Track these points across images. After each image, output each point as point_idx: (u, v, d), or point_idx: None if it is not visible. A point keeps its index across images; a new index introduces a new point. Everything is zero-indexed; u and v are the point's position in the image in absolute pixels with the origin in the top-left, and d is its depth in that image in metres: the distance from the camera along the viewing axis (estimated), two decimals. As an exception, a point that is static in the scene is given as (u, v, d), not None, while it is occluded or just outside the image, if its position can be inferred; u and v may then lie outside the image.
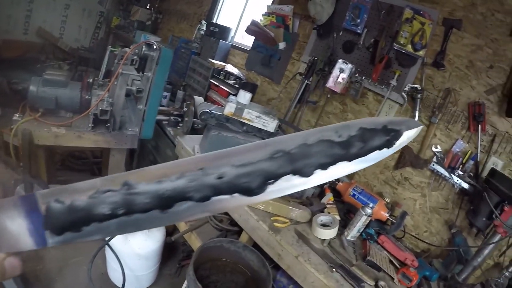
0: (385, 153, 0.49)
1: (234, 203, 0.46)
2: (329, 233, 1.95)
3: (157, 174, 0.45)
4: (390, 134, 0.49)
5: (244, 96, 2.09)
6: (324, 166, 0.47)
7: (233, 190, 0.45)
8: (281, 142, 0.48)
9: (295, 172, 0.46)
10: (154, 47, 2.35)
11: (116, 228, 0.43)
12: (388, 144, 0.49)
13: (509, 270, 1.99)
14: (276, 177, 0.46)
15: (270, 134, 2.12)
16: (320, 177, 0.48)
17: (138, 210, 0.43)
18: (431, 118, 2.33)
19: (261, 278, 1.95)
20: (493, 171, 2.13)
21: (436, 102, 2.36)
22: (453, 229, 2.20)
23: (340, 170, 0.48)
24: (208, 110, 2.08)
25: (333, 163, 0.48)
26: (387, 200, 2.28)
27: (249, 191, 0.45)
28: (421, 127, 0.51)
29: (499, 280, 2.04)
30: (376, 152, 0.49)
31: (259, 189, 0.46)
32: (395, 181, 2.52)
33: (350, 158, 0.48)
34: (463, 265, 2.05)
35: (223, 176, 0.44)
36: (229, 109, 2.06)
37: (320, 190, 2.31)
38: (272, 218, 1.92)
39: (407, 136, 0.49)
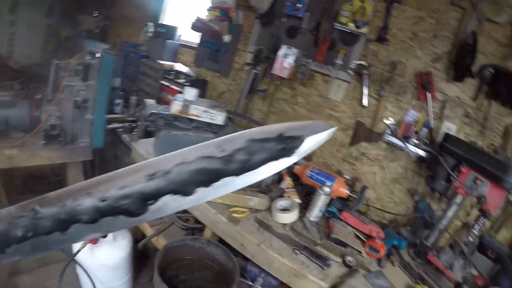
0: (285, 162, 0.49)
1: (121, 224, 0.49)
2: (289, 217, 2.03)
3: (57, 199, 0.49)
4: (287, 143, 0.49)
5: (190, 93, 2.16)
6: (206, 184, 0.49)
7: (116, 212, 0.48)
8: (158, 163, 0.50)
9: (175, 192, 0.48)
10: (96, 55, 2.41)
11: (30, 249, 0.48)
12: (285, 153, 0.49)
13: (476, 228, 2.13)
14: (155, 197, 0.48)
15: (219, 127, 2.21)
16: (205, 194, 0.49)
17: (43, 233, 0.48)
18: (380, 92, 2.44)
19: (229, 270, 2.02)
20: (446, 136, 2.24)
21: (383, 76, 2.46)
22: (416, 196, 2.32)
23: (227, 185, 0.49)
24: (155, 111, 2.16)
25: (216, 179, 0.49)
26: (347, 177, 2.37)
27: (130, 213, 0.49)
28: (332, 129, 0.50)
29: (469, 239, 2.18)
30: (272, 163, 0.49)
31: (141, 209, 0.49)
32: (353, 157, 2.62)
33: (236, 172, 0.49)
34: (430, 229, 2.19)
35: (106, 199, 0.48)
36: (176, 107, 2.13)
37: (279, 177, 2.39)
38: (230, 210, 1.98)
39: (314, 142, 0.49)
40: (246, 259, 2.15)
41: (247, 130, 0.50)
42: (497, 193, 2.03)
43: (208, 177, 0.48)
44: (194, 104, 2.15)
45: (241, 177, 0.49)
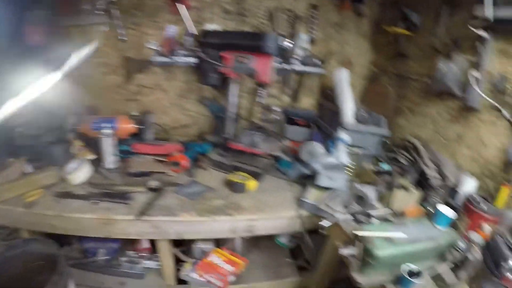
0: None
1: None
2: (82, 174, 2.05)
3: None
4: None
5: None
6: None
7: None
8: None
9: None
10: None
11: None
12: None
13: (261, 100, 2.25)
14: None
15: None
16: None
17: None
18: (134, 21, 2.46)
19: (56, 256, 2.01)
20: (204, 32, 2.37)
21: (133, 4, 2.45)
22: (204, 101, 2.43)
23: None
24: None
25: None
26: (136, 113, 2.44)
27: None
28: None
29: (271, 117, 2.30)
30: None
31: None
32: (134, 92, 2.62)
33: None
34: (224, 122, 2.34)
35: None
36: None
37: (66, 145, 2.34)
38: (24, 197, 1.93)
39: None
40: (79, 238, 2.15)
41: None
42: (263, 62, 2.17)
43: None
44: None
45: None
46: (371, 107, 2.51)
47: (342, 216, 1.88)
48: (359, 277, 1.64)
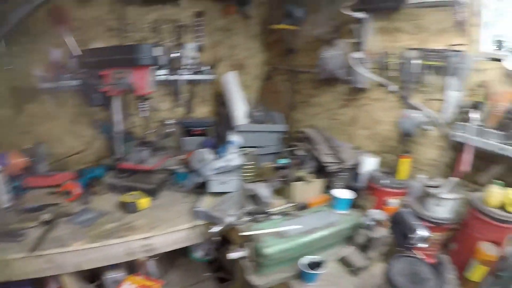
0: None
1: None
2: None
3: None
4: None
5: None
6: None
7: None
8: None
9: None
10: None
11: None
12: None
13: (143, 113, 2.39)
14: None
15: None
16: None
17: None
18: (20, 49, 2.36)
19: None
20: (83, 52, 2.36)
21: (17, 31, 2.31)
22: (96, 124, 2.43)
23: None
24: None
25: None
26: (28, 146, 2.32)
27: None
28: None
29: (165, 131, 2.31)
30: None
31: None
32: (26, 124, 2.52)
33: None
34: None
35: None
36: None
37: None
38: None
39: None
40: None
41: None
42: (139, 75, 2.19)
43: None
44: None
45: None
46: (268, 105, 2.56)
47: (233, 219, 1.87)
48: (256, 279, 1.63)
